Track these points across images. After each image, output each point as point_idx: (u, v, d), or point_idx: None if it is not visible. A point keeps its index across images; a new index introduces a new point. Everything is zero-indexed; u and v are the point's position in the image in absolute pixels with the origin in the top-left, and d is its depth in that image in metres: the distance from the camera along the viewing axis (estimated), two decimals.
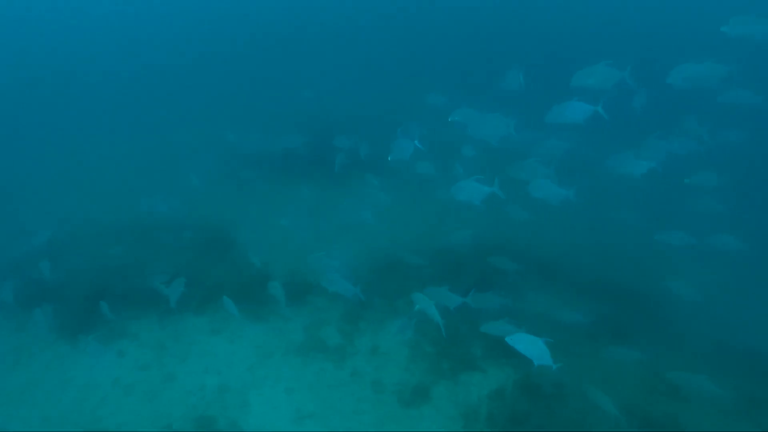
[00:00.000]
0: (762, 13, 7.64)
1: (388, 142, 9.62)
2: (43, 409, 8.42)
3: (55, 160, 17.98)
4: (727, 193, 11.06)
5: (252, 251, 11.18)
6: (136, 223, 12.74)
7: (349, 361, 8.84)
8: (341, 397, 8.27)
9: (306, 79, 21.31)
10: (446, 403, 8.14)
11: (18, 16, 35.09)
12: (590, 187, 12.27)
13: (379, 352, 8.98)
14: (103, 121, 20.67)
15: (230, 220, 12.87)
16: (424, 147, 9.43)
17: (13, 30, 33.18)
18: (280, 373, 8.72)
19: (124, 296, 10.42)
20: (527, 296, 10.46)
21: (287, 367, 8.82)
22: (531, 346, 6.37)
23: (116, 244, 12.08)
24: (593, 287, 10.87)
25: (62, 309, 10.36)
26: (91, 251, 12.03)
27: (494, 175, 8.01)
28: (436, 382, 8.43)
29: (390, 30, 28.84)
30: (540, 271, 11.19)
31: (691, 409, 8.06)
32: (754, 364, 9.13)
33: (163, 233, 12.29)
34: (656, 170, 8.66)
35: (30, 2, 36.76)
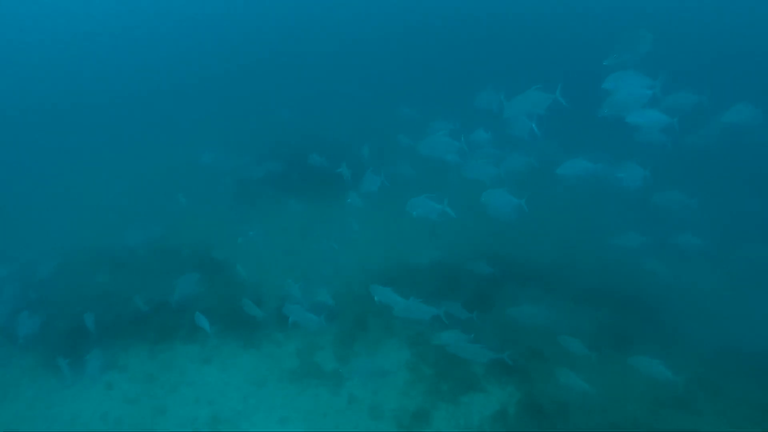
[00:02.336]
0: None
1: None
2: None
3: (43, 183, 17.69)
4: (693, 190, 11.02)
5: (240, 266, 10.96)
6: (123, 248, 12.39)
7: (346, 387, 8.52)
8: (338, 425, 7.95)
9: (285, 99, 21.30)
10: (447, 427, 7.83)
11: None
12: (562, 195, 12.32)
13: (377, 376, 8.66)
14: (90, 144, 20.42)
15: (220, 243, 12.53)
16: (389, 183, 10.11)
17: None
18: (274, 402, 8.40)
19: (112, 325, 10.11)
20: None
21: (281, 395, 8.50)
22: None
23: (103, 271, 11.77)
24: (591, 295, 10.58)
25: (49, 339, 10.10)
26: (78, 279, 11.73)
27: (444, 194, 8.08)
28: (435, 405, 8.12)
29: (369, 50, 28.78)
30: (538, 282, 10.94)
31: (702, 423, 7.76)
32: (761, 369, 8.83)
33: (152, 257, 12.01)
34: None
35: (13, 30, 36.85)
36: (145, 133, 20.49)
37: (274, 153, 16.18)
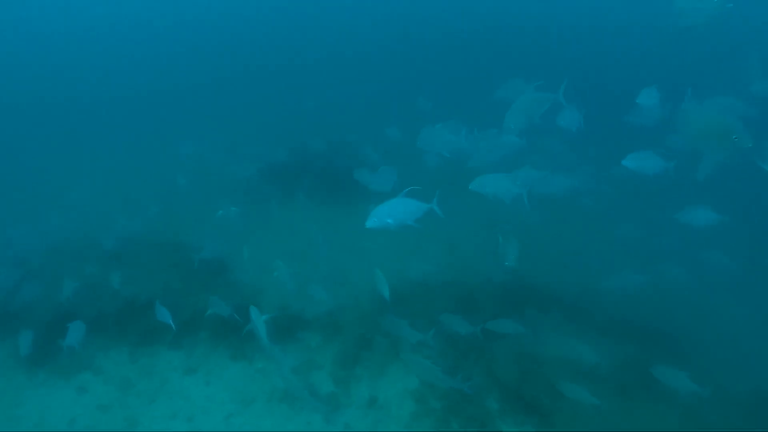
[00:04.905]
0: None
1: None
2: None
3: (36, 172, 16.96)
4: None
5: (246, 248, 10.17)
6: (117, 240, 11.50)
7: (342, 414, 7.53)
8: None
9: (296, 104, 20.70)
10: None
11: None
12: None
13: (378, 405, 7.64)
14: (91, 134, 19.77)
15: (220, 243, 11.56)
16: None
17: None
18: (260, 425, 7.44)
19: (92, 321, 9.23)
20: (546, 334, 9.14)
21: (269, 418, 7.53)
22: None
23: (93, 262, 10.90)
24: (616, 326, 9.52)
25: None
26: (64, 267, 10.90)
27: (435, 189, 6.58)
28: None
29: (382, 51, 28.08)
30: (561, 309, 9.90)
31: None
32: None
33: (145, 251, 11.14)
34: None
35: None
36: (156, 130, 19.71)
37: (287, 153, 15.35)
